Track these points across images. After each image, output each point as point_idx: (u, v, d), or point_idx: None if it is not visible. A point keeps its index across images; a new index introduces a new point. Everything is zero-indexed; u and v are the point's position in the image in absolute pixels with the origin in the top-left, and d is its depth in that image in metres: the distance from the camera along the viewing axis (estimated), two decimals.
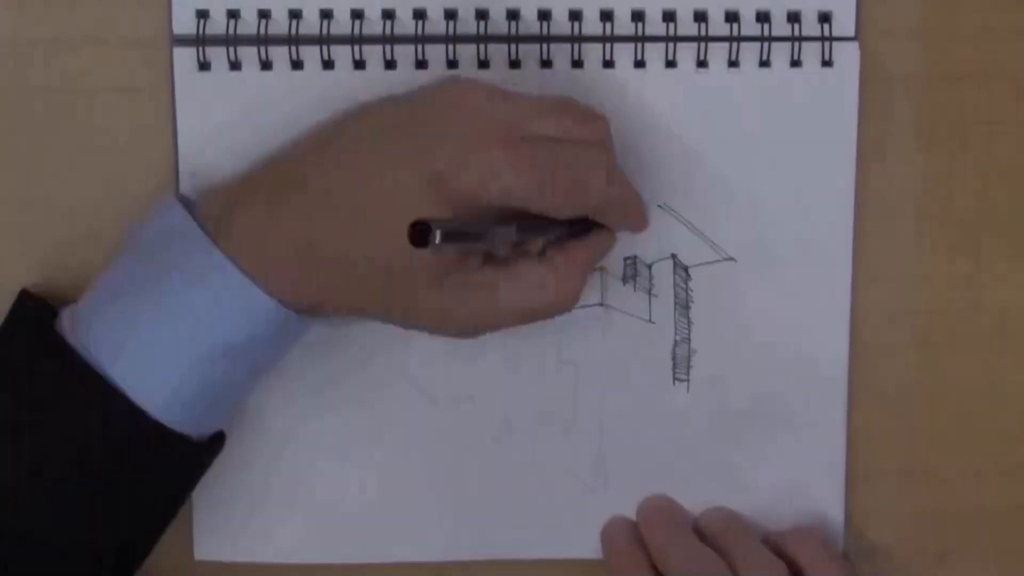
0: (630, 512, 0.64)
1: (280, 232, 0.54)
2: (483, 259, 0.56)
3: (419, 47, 0.60)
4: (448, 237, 0.50)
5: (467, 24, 0.60)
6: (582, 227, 0.58)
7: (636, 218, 0.59)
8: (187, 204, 0.56)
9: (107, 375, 0.54)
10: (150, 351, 0.54)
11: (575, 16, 0.60)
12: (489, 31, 0.60)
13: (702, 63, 0.61)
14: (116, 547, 0.56)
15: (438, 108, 0.56)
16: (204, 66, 0.60)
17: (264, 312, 0.54)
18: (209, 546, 0.63)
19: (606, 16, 0.60)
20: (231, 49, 0.60)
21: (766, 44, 0.60)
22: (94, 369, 0.54)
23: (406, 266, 0.54)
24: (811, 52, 0.61)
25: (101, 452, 0.54)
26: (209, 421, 0.57)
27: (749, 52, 0.61)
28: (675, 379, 0.63)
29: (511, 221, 0.54)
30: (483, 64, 0.60)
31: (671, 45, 0.60)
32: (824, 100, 0.61)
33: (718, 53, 0.61)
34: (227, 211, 0.55)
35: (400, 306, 0.56)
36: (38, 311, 0.57)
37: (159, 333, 0.54)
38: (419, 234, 0.50)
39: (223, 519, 0.63)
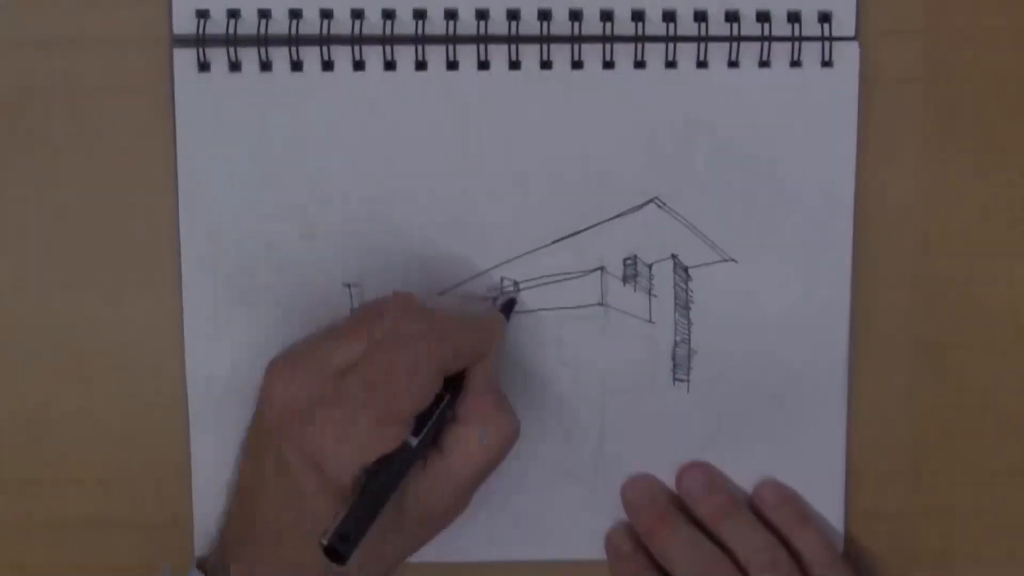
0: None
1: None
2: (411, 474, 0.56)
3: (419, 47, 0.60)
4: (356, 535, 0.52)
5: (467, 24, 0.60)
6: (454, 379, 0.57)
7: (491, 333, 0.58)
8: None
9: None
10: None
11: (575, 16, 0.60)
12: (489, 31, 0.60)
13: (702, 63, 0.61)
14: None
15: (264, 419, 0.56)
16: (204, 66, 0.60)
17: None
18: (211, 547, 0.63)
19: (606, 16, 0.60)
20: (231, 49, 0.60)
21: (766, 44, 0.60)
22: None
23: (375, 546, 0.55)
24: (811, 52, 0.61)
25: None
26: None
27: (749, 52, 0.61)
28: (675, 379, 0.63)
29: (394, 457, 0.54)
30: (483, 65, 0.60)
31: (671, 45, 0.60)
32: (824, 100, 0.61)
33: (718, 53, 0.61)
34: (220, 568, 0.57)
35: (406, 551, 0.57)
36: None
37: None
38: (332, 555, 0.51)
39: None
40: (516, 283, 0.62)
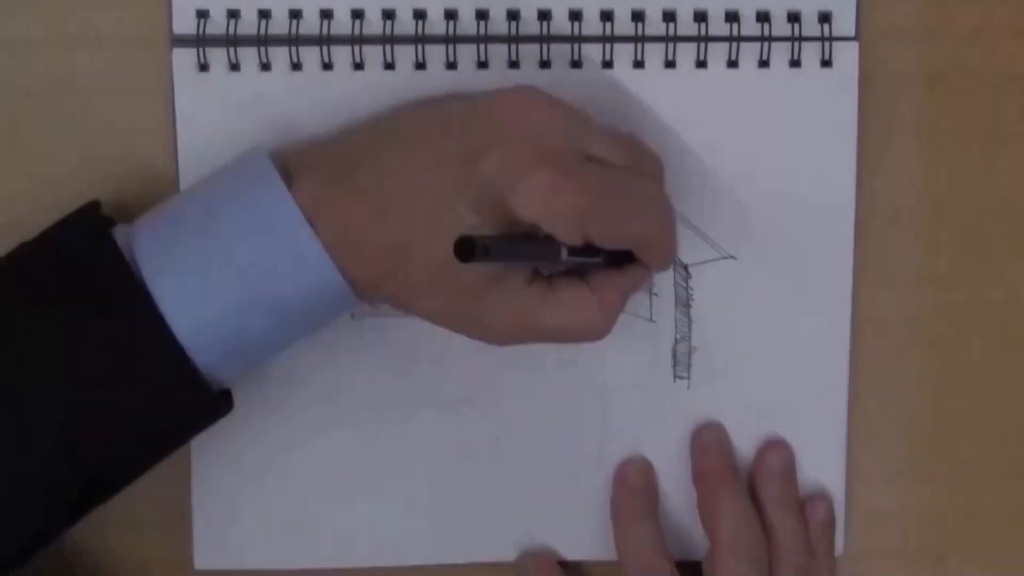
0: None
1: (343, 206, 0.54)
2: (527, 274, 0.56)
3: (419, 48, 0.60)
4: (491, 254, 0.50)
5: (467, 24, 0.60)
6: (619, 259, 0.57)
7: (670, 259, 0.58)
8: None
9: (148, 289, 0.53)
10: (194, 277, 0.53)
11: (575, 16, 0.60)
12: (489, 31, 0.60)
13: (702, 63, 0.61)
14: (89, 467, 0.54)
15: (499, 114, 0.55)
16: (204, 67, 0.60)
17: (319, 270, 0.53)
18: (209, 555, 0.63)
19: (606, 16, 0.60)
20: (231, 49, 0.60)
21: (766, 44, 0.60)
22: (136, 279, 0.53)
23: (450, 273, 0.53)
24: (811, 52, 0.61)
25: (116, 363, 0.53)
26: (222, 370, 0.55)
27: (749, 52, 0.61)
28: (676, 377, 0.63)
29: (558, 243, 0.54)
30: (482, 65, 0.60)
31: (671, 45, 0.60)
32: (824, 100, 0.61)
33: (718, 53, 0.61)
34: (298, 170, 0.55)
35: (444, 308, 0.56)
36: (99, 218, 0.56)
37: (208, 265, 0.53)
38: (463, 249, 0.50)
39: (222, 528, 0.62)
40: None
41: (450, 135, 0.55)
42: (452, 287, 0.54)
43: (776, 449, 0.63)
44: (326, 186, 0.54)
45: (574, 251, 0.54)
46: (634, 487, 0.63)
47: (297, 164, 0.56)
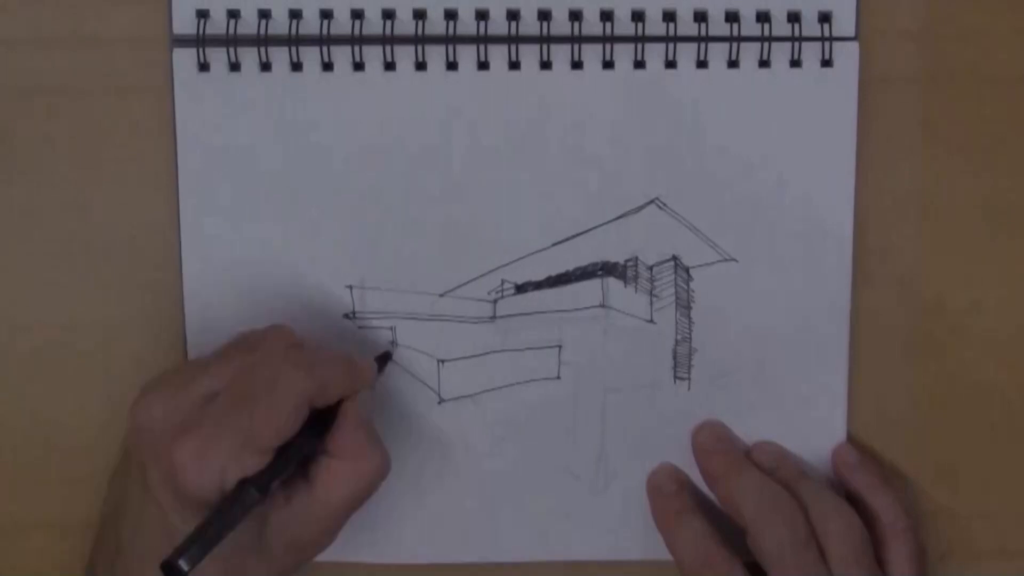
0: (633, 513, 0.63)
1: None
2: (262, 509, 0.55)
3: (419, 48, 0.60)
4: (201, 549, 0.51)
5: (467, 24, 0.60)
6: (321, 419, 0.56)
7: (359, 375, 0.58)
8: None
9: None
10: None
11: (575, 16, 0.60)
12: (489, 31, 0.60)
13: (702, 63, 0.61)
14: None
15: (131, 441, 0.56)
16: (204, 66, 0.60)
17: None
18: None
19: (606, 16, 0.60)
20: (231, 49, 0.60)
21: (766, 44, 0.60)
22: None
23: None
24: (811, 52, 0.61)
25: None
26: None
27: (749, 52, 0.61)
28: (676, 378, 0.63)
29: (255, 481, 0.53)
30: (483, 65, 0.60)
31: (671, 45, 0.60)
32: (824, 100, 0.61)
33: (718, 53, 0.61)
34: None
35: None
36: None
37: None
38: (171, 571, 0.51)
39: None
40: (516, 285, 0.62)
41: (127, 471, 0.57)
42: (255, 569, 0.55)
43: (761, 445, 0.63)
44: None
45: (270, 471, 0.54)
46: (668, 492, 0.62)
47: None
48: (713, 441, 0.62)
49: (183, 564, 0.51)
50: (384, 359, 0.62)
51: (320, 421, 0.56)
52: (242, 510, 0.53)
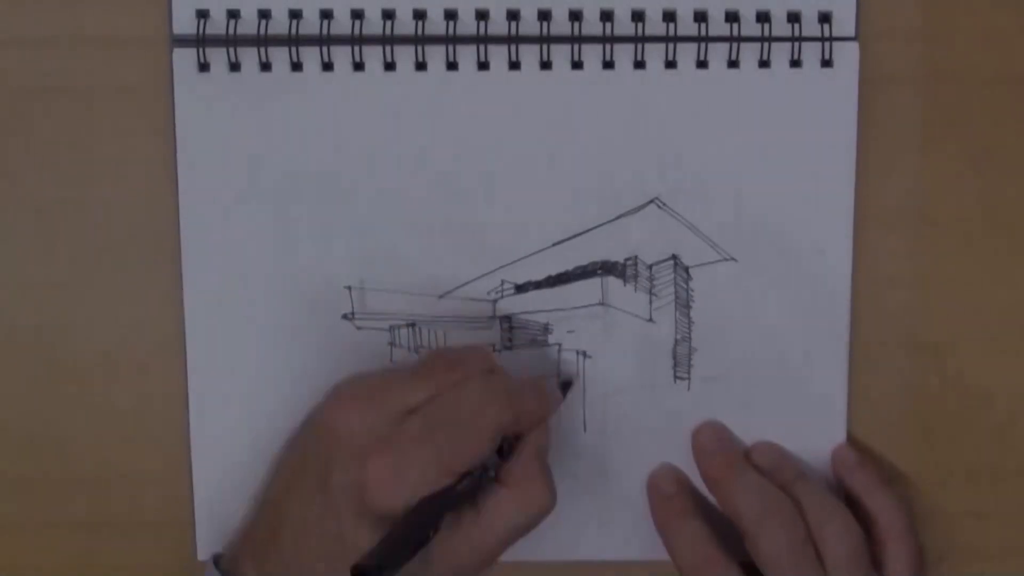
0: (633, 513, 0.63)
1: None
2: (447, 524, 0.55)
3: (419, 48, 0.60)
4: (389, 566, 0.51)
5: (467, 24, 0.60)
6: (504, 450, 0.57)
7: (549, 407, 0.59)
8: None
9: None
10: None
11: (575, 16, 0.60)
12: (489, 32, 0.60)
13: (702, 63, 0.61)
14: None
15: (320, 442, 0.56)
16: (204, 66, 0.60)
17: None
18: (212, 546, 0.63)
19: (606, 16, 0.60)
20: (231, 50, 0.60)
21: (766, 44, 0.60)
22: None
23: None
24: (811, 52, 0.61)
25: None
26: None
27: (749, 52, 0.61)
28: (676, 377, 0.63)
29: (436, 500, 0.54)
30: (483, 65, 0.60)
31: (671, 45, 0.60)
32: (824, 100, 0.61)
33: (718, 53, 0.61)
34: (239, 563, 0.58)
35: None
36: None
37: None
38: None
39: (225, 519, 0.62)
40: (516, 285, 0.62)
41: (305, 466, 0.57)
42: None
43: (760, 446, 0.63)
44: (260, 566, 0.57)
45: (452, 496, 0.54)
46: (668, 493, 0.63)
47: (239, 558, 0.58)
48: (713, 442, 0.62)
49: (374, 573, 0.50)
50: (566, 387, 0.62)
51: (505, 448, 0.57)
52: (429, 524, 0.53)
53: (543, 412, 0.58)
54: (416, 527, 0.53)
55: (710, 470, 0.62)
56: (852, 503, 0.61)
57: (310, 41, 0.60)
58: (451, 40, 0.60)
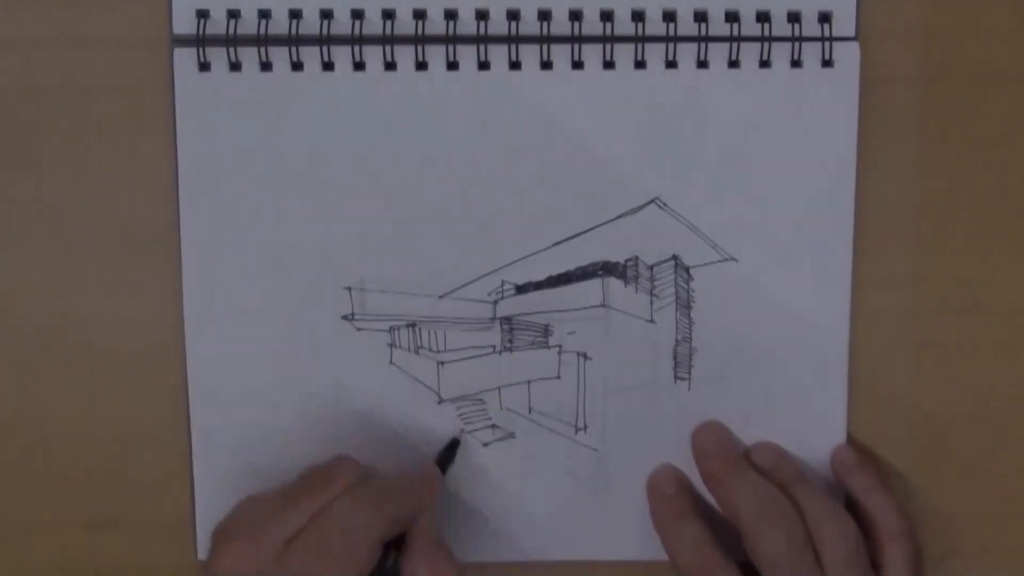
0: (633, 513, 0.63)
1: None
2: None
3: (419, 48, 0.60)
4: None
5: (467, 24, 0.60)
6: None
7: (424, 498, 0.59)
8: None
9: None
10: None
11: (575, 16, 0.60)
12: (489, 32, 0.60)
13: (702, 63, 0.61)
14: None
15: None
16: (204, 66, 0.60)
17: None
18: None
19: (606, 16, 0.60)
20: (231, 49, 0.60)
21: (766, 44, 0.60)
22: None
23: None
24: (811, 52, 0.61)
25: None
26: None
27: (749, 52, 0.61)
28: (676, 378, 0.63)
29: None
30: (483, 65, 0.60)
31: (671, 45, 0.60)
32: (824, 100, 0.61)
33: (718, 53, 0.61)
34: None
35: None
36: None
37: None
38: None
39: None
40: (517, 286, 0.62)
41: None
42: None
43: (760, 446, 0.63)
44: None
45: None
46: (667, 494, 0.63)
47: None
48: (712, 443, 0.62)
49: None
50: (452, 449, 0.62)
51: (395, 546, 0.57)
52: None
53: (419, 502, 0.58)
54: None
55: (709, 470, 0.62)
56: (851, 504, 0.61)
57: (310, 41, 0.60)
58: (451, 40, 0.60)
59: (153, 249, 0.61)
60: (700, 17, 0.60)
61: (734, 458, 0.62)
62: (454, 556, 0.58)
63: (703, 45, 0.60)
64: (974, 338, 0.63)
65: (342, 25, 0.60)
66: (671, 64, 0.61)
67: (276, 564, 0.55)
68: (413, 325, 0.62)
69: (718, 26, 0.60)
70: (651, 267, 0.62)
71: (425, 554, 0.57)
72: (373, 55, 0.60)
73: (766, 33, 0.60)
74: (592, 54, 0.61)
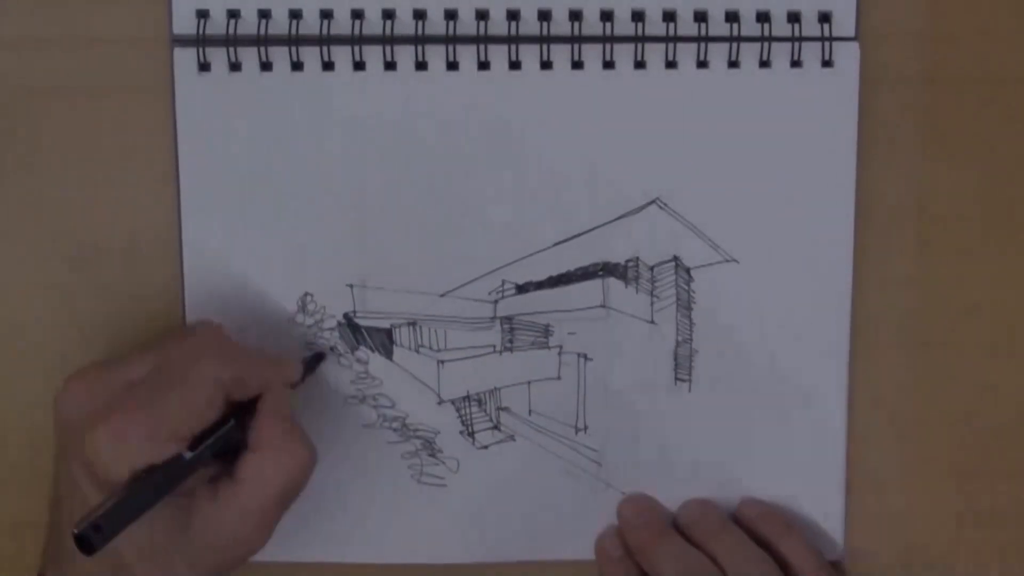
0: None
1: None
2: (191, 499, 0.55)
3: (419, 48, 0.60)
4: (112, 526, 0.50)
5: (467, 24, 0.60)
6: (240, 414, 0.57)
7: (280, 371, 0.58)
8: None
9: None
10: None
11: (575, 16, 0.60)
12: (489, 31, 0.60)
13: (702, 63, 0.61)
14: None
15: (57, 430, 0.56)
16: (204, 66, 0.60)
17: None
18: None
19: (606, 16, 0.60)
20: (231, 49, 0.60)
21: (766, 44, 0.60)
22: None
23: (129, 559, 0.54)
24: (811, 52, 0.61)
25: None
26: None
27: (749, 52, 0.61)
28: (677, 379, 0.63)
29: (168, 466, 0.53)
30: (483, 65, 0.60)
31: (671, 45, 0.60)
32: (824, 100, 0.61)
33: (718, 53, 0.61)
34: None
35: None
36: None
37: None
38: (81, 543, 0.50)
39: None
40: (517, 286, 0.62)
41: (56, 458, 0.56)
42: (182, 564, 0.55)
43: (686, 504, 0.64)
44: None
45: (182, 464, 0.54)
46: (636, 524, 0.63)
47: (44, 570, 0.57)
48: (634, 515, 0.63)
49: (91, 539, 0.50)
50: (317, 359, 0.62)
51: (244, 416, 0.56)
52: (155, 490, 0.53)
53: (275, 374, 0.57)
54: (141, 491, 0.52)
55: (633, 540, 0.63)
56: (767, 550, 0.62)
57: (310, 41, 0.60)
58: (451, 40, 0.60)
59: (153, 249, 0.61)
60: (700, 17, 0.60)
61: (657, 527, 0.62)
62: (308, 437, 0.57)
63: (703, 45, 0.60)
64: (974, 338, 0.63)
65: (342, 25, 0.60)
66: (671, 64, 0.61)
67: (115, 398, 0.54)
68: (414, 323, 0.62)
69: (718, 26, 0.60)
70: (652, 268, 0.62)
71: (271, 425, 0.56)
72: (373, 55, 0.60)
73: (766, 33, 0.60)
74: (592, 54, 0.61)
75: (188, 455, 0.54)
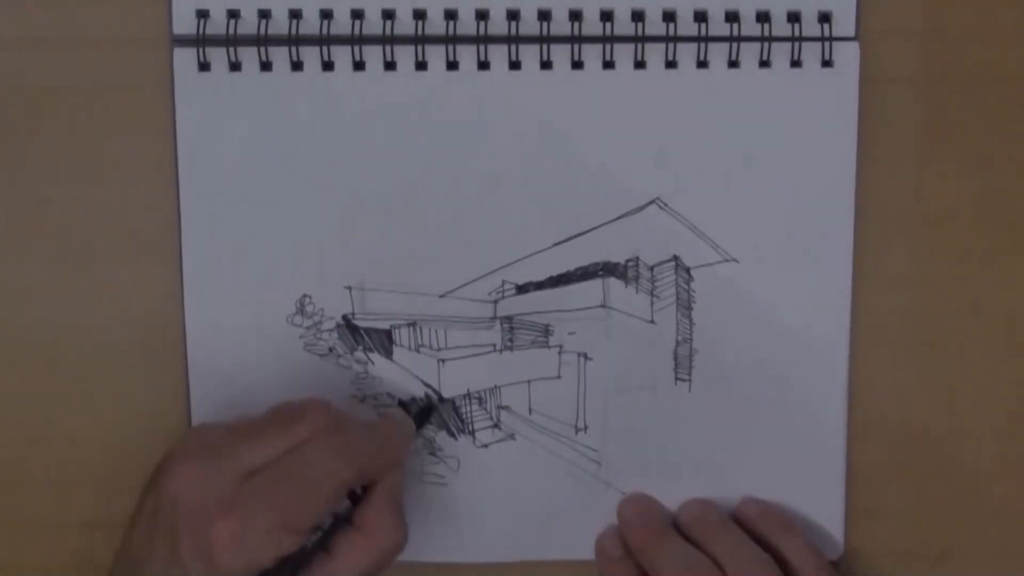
0: None
1: None
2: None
3: (419, 47, 0.60)
4: None
5: (467, 24, 0.60)
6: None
7: (397, 453, 0.59)
8: None
9: None
10: None
11: (575, 16, 0.60)
12: (489, 31, 0.60)
13: (702, 63, 0.61)
14: None
15: (166, 507, 0.55)
16: (204, 66, 0.60)
17: None
18: None
19: (606, 16, 0.60)
20: (231, 49, 0.60)
21: (766, 44, 0.60)
22: None
23: None
24: (811, 52, 0.61)
25: None
26: None
27: (749, 52, 0.61)
28: (677, 379, 0.63)
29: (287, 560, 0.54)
30: (483, 65, 0.60)
31: (671, 45, 0.60)
32: (824, 100, 0.61)
33: (718, 53, 0.61)
34: None
35: None
36: None
37: None
38: None
39: None
40: (517, 286, 0.62)
41: (155, 529, 0.55)
42: None
43: (686, 505, 0.64)
44: None
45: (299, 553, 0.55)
46: (636, 524, 0.63)
47: None
48: (634, 515, 0.63)
49: None
50: (426, 413, 0.62)
51: (356, 495, 0.57)
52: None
53: (391, 459, 0.58)
54: None
55: (634, 541, 0.63)
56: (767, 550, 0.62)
57: (310, 41, 0.60)
58: (451, 40, 0.60)
59: (153, 249, 0.61)
60: (700, 17, 0.60)
61: (657, 527, 0.62)
62: (406, 521, 0.57)
63: (703, 45, 0.60)
64: (974, 338, 0.63)
65: (342, 25, 0.60)
66: (671, 64, 0.61)
67: (235, 491, 0.54)
68: (414, 324, 0.62)
69: (718, 26, 0.60)
70: (652, 268, 0.62)
71: (381, 511, 0.57)
72: (373, 55, 0.60)
73: (766, 33, 0.60)
74: (592, 54, 0.61)
75: (309, 544, 0.55)
